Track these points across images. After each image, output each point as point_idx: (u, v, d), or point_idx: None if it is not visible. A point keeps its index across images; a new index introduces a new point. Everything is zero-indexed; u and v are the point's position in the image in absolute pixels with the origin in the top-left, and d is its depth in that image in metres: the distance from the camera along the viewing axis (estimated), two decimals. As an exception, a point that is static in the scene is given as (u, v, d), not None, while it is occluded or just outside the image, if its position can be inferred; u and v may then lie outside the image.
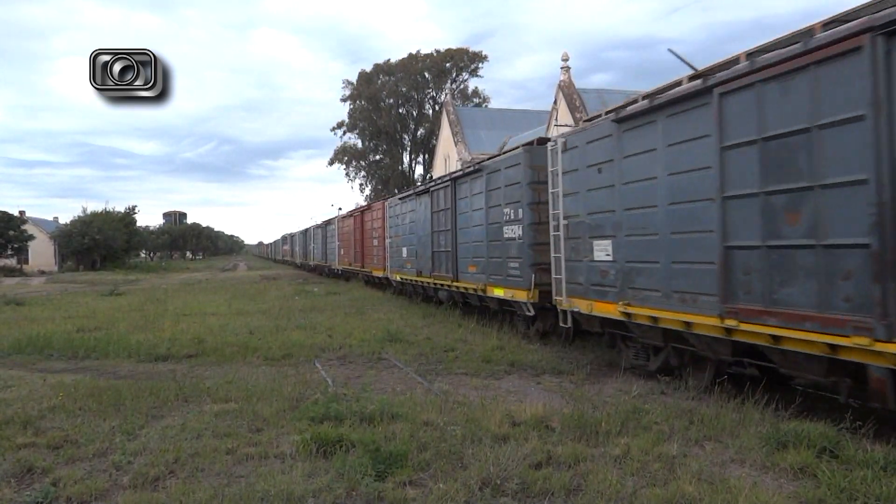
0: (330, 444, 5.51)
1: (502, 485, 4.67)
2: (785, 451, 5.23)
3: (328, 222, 38.37)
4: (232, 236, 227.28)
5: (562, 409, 6.81)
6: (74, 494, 4.72)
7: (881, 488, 4.39)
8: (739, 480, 4.68)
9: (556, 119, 32.88)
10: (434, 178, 16.07)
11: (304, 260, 51.71)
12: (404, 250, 19.82)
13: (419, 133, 67.37)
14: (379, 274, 24.19)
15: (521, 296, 11.33)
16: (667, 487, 4.58)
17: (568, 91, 34.21)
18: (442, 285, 16.04)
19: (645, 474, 4.92)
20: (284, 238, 76.81)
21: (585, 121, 10.21)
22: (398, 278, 20.78)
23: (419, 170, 67.61)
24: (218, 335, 12.99)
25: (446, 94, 56.06)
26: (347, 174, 70.08)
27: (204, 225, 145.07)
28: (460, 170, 15.13)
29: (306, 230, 50.61)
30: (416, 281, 18.52)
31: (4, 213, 58.39)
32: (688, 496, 4.40)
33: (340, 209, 40.92)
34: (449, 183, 15.28)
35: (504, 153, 13.26)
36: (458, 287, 14.79)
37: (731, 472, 4.96)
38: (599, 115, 9.47)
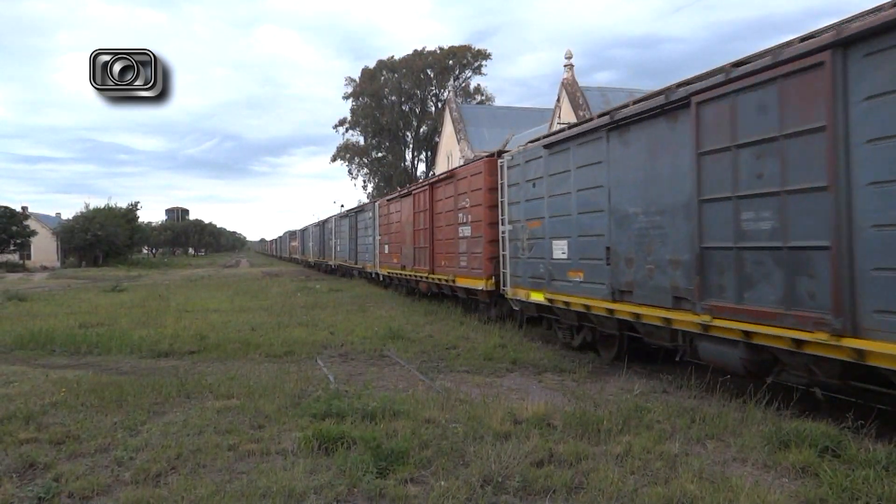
0: (331, 440, 5.51)
1: (504, 482, 4.67)
2: (787, 450, 5.22)
3: (360, 209, 29.16)
4: (234, 233, 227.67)
5: (563, 407, 6.81)
6: (76, 490, 4.73)
7: (883, 488, 4.38)
8: (741, 479, 4.68)
9: (559, 117, 32.88)
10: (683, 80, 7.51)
11: (320, 258, 42.89)
12: (560, 247, 10.02)
13: (422, 130, 67.35)
14: (474, 285, 13.63)
15: None
16: (668, 486, 4.58)
17: (571, 89, 34.18)
18: (779, 345, 6.13)
19: (646, 473, 4.92)
20: (292, 233, 68.07)
21: None
22: (539, 299, 10.71)
23: (421, 167, 67.73)
24: (220, 331, 13.01)
25: (449, 92, 56.10)
26: (350, 171, 70.18)
27: (206, 221, 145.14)
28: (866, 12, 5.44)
29: (324, 222, 41.64)
30: (600, 310, 8.95)
31: (7, 208, 58.58)
32: (689, 495, 4.39)
33: (343, 206, 40.01)
34: (829, 57, 5.42)
35: None
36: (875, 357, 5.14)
37: (732, 471, 4.95)
38: None
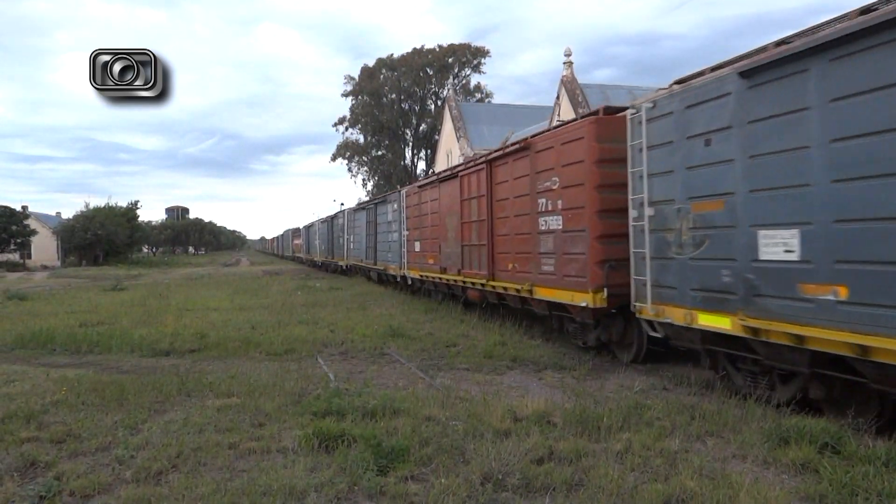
0: (332, 438, 5.52)
1: (504, 480, 4.67)
2: (787, 446, 5.23)
3: (382, 199, 24.52)
4: (234, 231, 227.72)
5: (563, 404, 6.81)
6: (77, 488, 4.74)
7: (883, 484, 4.39)
8: (741, 476, 4.69)
9: (559, 114, 32.87)
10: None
11: (329, 257, 38.62)
12: (778, 241, 6.20)
13: (421, 128, 67.37)
14: (570, 299, 9.60)
15: None
16: (668, 482, 4.59)
17: (570, 86, 34.18)
18: None
19: (646, 469, 4.93)
20: (296, 231, 64.55)
21: None
22: (719, 326, 6.90)
23: (421, 165, 67.76)
24: (220, 330, 13.01)
25: (449, 90, 56.08)
26: (350, 170, 70.29)
27: (206, 220, 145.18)
28: None
29: (333, 217, 37.29)
30: None
31: (7, 207, 58.61)
32: (689, 491, 4.40)
33: (342, 204, 39.40)
34: None
35: None
36: None
37: (732, 468, 4.96)
38: None
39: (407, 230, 19.79)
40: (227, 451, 5.47)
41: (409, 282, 19.98)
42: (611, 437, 5.65)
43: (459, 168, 14.96)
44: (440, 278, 16.10)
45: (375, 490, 4.58)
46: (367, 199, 34.24)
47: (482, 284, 13.09)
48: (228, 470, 5.07)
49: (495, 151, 13.00)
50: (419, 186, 18.58)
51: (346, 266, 32.53)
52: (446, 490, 4.48)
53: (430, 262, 17.05)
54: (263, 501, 4.42)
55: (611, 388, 7.88)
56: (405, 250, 20.00)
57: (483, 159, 13.27)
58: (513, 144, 12.05)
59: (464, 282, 14.39)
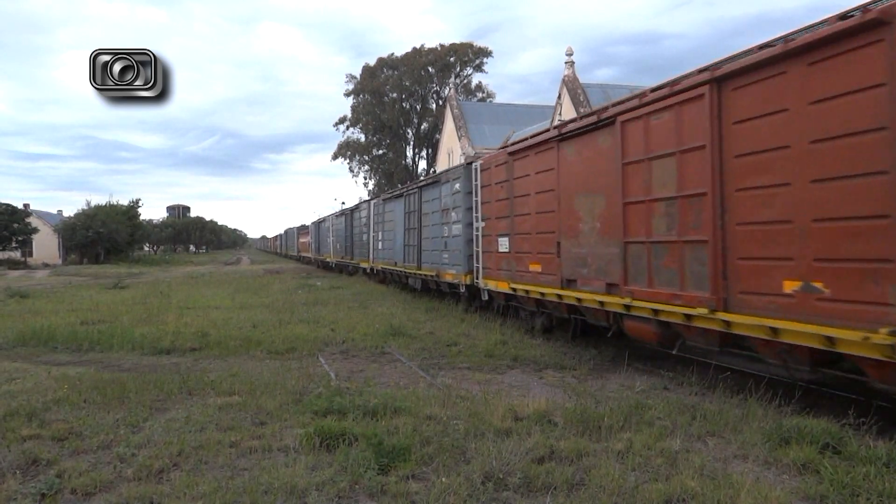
0: (333, 437, 5.53)
1: (505, 479, 4.68)
2: (787, 446, 5.23)
3: (434, 181, 17.81)
4: (235, 230, 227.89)
5: (564, 403, 6.82)
6: (79, 486, 4.75)
7: (884, 484, 4.38)
8: (742, 476, 4.69)
9: (560, 114, 32.87)
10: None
11: (346, 257, 32.47)
12: None
13: (423, 128, 67.35)
14: None
15: None
16: (669, 482, 4.59)
17: (572, 86, 34.18)
18: None
19: (647, 469, 4.93)
20: (303, 228, 58.83)
21: None
22: None
23: (422, 164, 67.75)
24: (222, 329, 13.03)
25: (450, 89, 56.07)
26: (351, 169, 70.28)
27: (207, 219, 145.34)
28: None
29: (353, 210, 31.40)
30: None
31: (9, 205, 58.60)
32: (690, 491, 4.40)
33: (343, 203, 38.71)
34: None
35: None
36: None
37: (733, 468, 4.96)
38: None
39: (483, 221, 13.55)
40: (228, 450, 5.48)
41: (486, 296, 13.77)
42: (612, 437, 5.65)
43: (617, 109, 8.54)
44: (559, 296, 10.11)
45: (376, 489, 4.59)
46: (369, 193, 33.55)
47: (686, 316, 7.20)
48: (230, 468, 5.08)
49: (730, 60, 6.81)
50: (510, 153, 12.00)
51: (373, 270, 26.09)
52: (447, 489, 4.48)
53: (535, 269, 11.08)
54: (264, 500, 4.43)
55: (612, 387, 7.89)
56: (479, 250, 13.83)
57: (699, 79, 6.96)
58: (813, 25, 6.01)
59: (627, 307, 8.29)
